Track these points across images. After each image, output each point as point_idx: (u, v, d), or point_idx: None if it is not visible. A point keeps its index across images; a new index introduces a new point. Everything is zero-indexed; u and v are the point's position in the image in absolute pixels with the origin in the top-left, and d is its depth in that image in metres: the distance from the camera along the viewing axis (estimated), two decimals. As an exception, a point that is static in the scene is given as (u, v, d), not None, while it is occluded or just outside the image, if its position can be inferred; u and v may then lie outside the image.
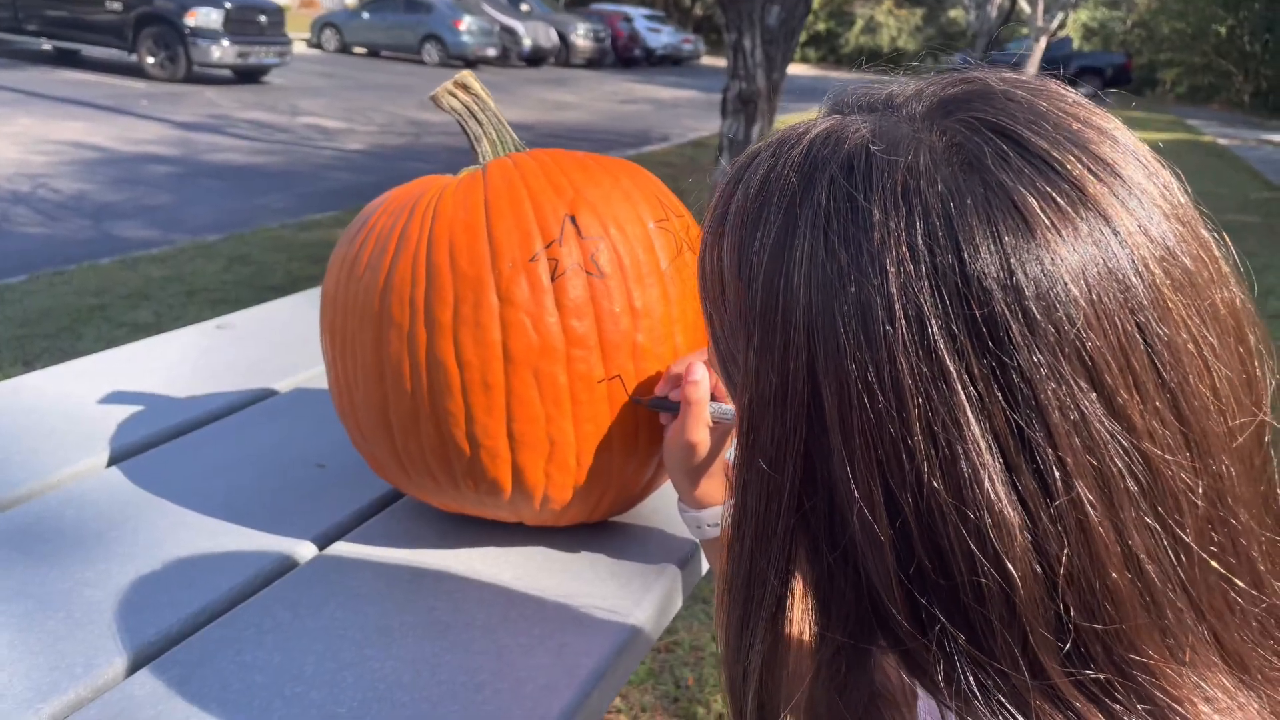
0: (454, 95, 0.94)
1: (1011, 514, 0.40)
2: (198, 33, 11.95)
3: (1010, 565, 0.40)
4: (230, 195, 6.87)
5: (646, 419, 0.88)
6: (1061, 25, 18.36)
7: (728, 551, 0.50)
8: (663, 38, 25.55)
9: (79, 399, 1.22)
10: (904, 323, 0.41)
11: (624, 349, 0.85)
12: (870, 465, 0.42)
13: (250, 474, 1.06)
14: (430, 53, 18.73)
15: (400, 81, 15.11)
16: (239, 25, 12.33)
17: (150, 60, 12.18)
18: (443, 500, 0.91)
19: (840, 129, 0.47)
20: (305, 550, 0.93)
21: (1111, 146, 0.44)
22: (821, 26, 32.61)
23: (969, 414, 0.40)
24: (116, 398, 1.23)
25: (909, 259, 0.41)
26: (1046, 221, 0.40)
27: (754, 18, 4.57)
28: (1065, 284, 0.40)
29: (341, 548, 0.93)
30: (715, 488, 0.85)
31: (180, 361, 1.37)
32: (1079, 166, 0.42)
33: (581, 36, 22.08)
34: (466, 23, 18.58)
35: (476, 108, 0.95)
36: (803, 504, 0.46)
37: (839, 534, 0.44)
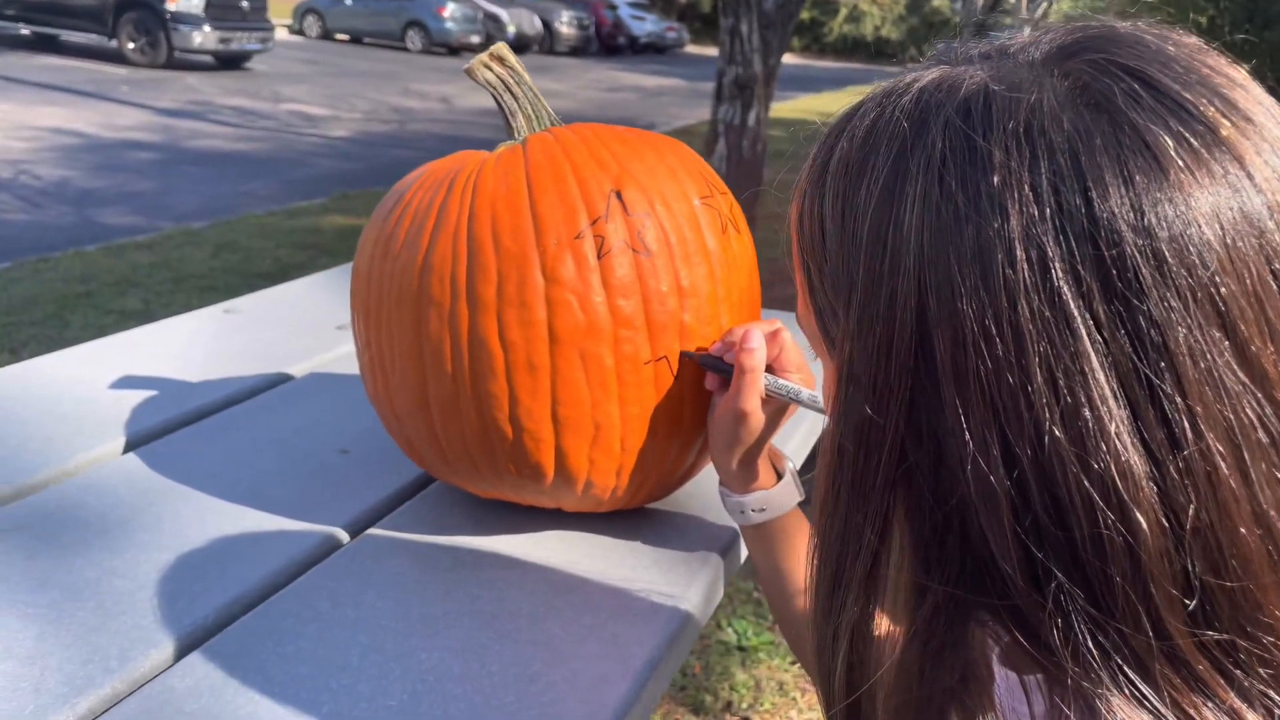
0: (489, 68, 0.91)
1: (1138, 463, 0.38)
2: (179, 18, 11.82)
3: (1138, 515, 0.38)
4: (215, 182, 6.79)
5: (691, 401, 0.85)
6: (1045, 14, 18.41)
7: (821, 509, 0.48)
8: (647, 25, 25.46)
9: (90, 383, 1.19)
10: (1026, 266, 0.39)
11: (671, 329, 0.82)
12: (986, 415, 0.40)
13: (273, 459, 1.03)
14: (414, 39, 18.61)
15: (384, 68, 14.99)
16: (220, 11, 12.20)
17: (130, 46, 12.04)
18: (481, 486, 0.89)
19: (953, 76, 0.45)
20: (337, 537, 0.90)
21: (1243, 93, 0.42)
22: (805, 15, 32.55)
23: (1094, 361, 0.38)
24: (128, 382, 1.20)
25: (1032, 200, 0.39)
26: (1180, 163, 0.39)
27: (751, 2, 4.53)
28: (1199, 227, 0.39)
29: (374, 535, 0.90)
30: (761, 470, 0.83)
31: (190, 346, 1.33)
32: (1212, 109, 0.41)
33: (566, 24, 21.97)
34: (450, 9, 18.46)
35: (512, 81, 0.92)
36: (905, 458, 0.44)
37: (947, 487, 0.42)
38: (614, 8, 24.64)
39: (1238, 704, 0.39)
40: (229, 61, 13.03)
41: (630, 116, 11.55)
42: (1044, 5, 16.07)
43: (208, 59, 12.85)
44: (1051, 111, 0.41)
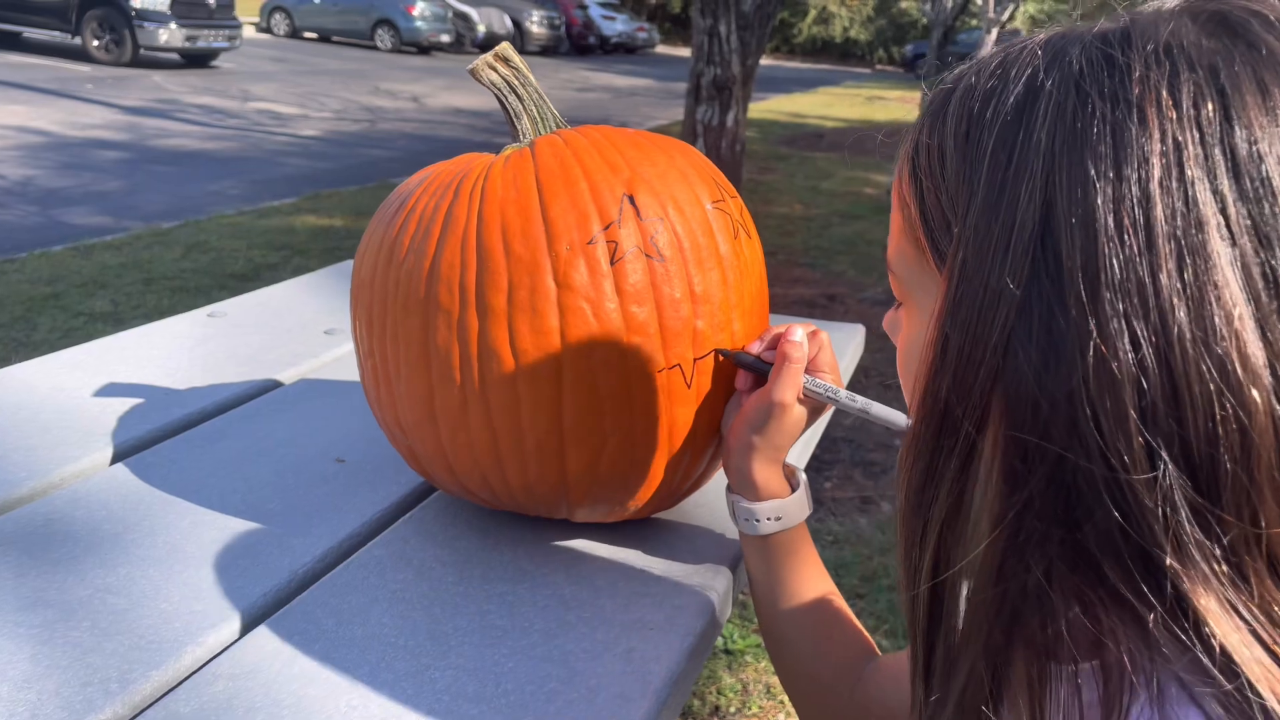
0: (494, 69, 0.89)
1: (1257, 351, 0.40)
2: (144, 15, 11.67)
3: (1254, 396, 0.40)
4: (183, 181, 6.70)
5: (703, 409, 0.83)
6: (1011, 17, 18.58)
7: (919, 403, 0.49)
8: (618, 25, 25.44)
9: (73, 392, 1.15)
10: (1162, 168, 0.41)
11: (684, 336, 0.81)
12: (1114, 303, 0.41)
13: (267, 470, 1.00)
14: (383, 38, 18.49)
15: (353, 67, 14.87)
16: (187, 8, 12.06)
17: (95, 43, 11.87)
18: (488, 496, 0.86)
19: (1085, 25, 0.48)
20: (338, 550, 0.88)
21: None
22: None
23: (1222, 256, 0.40)
24: (113, 390, 1.17)
25: (1171, 107, 0.42)
26: None
27: (729, 3, 4.52)
28: None
29: (377, 548, 0.88)
30: (777, 478, 0.82)
31: (175, 352, 1.30)
32: None
33: (536, 23, 21.91)
34: (419, 8, 18.35)
35: (517, 82, 0.90)
36: (1010, 349, 0.44)
37: (1055, 381, 0.43)
38: (584, 7, 24.60)
39: None
40: (196, 59, 12.88)
41: (603, 116, 11.52)
42: (1010, 8, 16.22)
43: (174, 57, 12.70)
44: (1190, 35, 0.44)
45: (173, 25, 11.79)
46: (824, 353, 0.82)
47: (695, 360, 0.81)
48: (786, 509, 0.81)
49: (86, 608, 0.77)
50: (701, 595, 0.83)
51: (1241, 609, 0.41)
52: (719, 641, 2.27)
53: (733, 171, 4.99)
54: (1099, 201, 0.42)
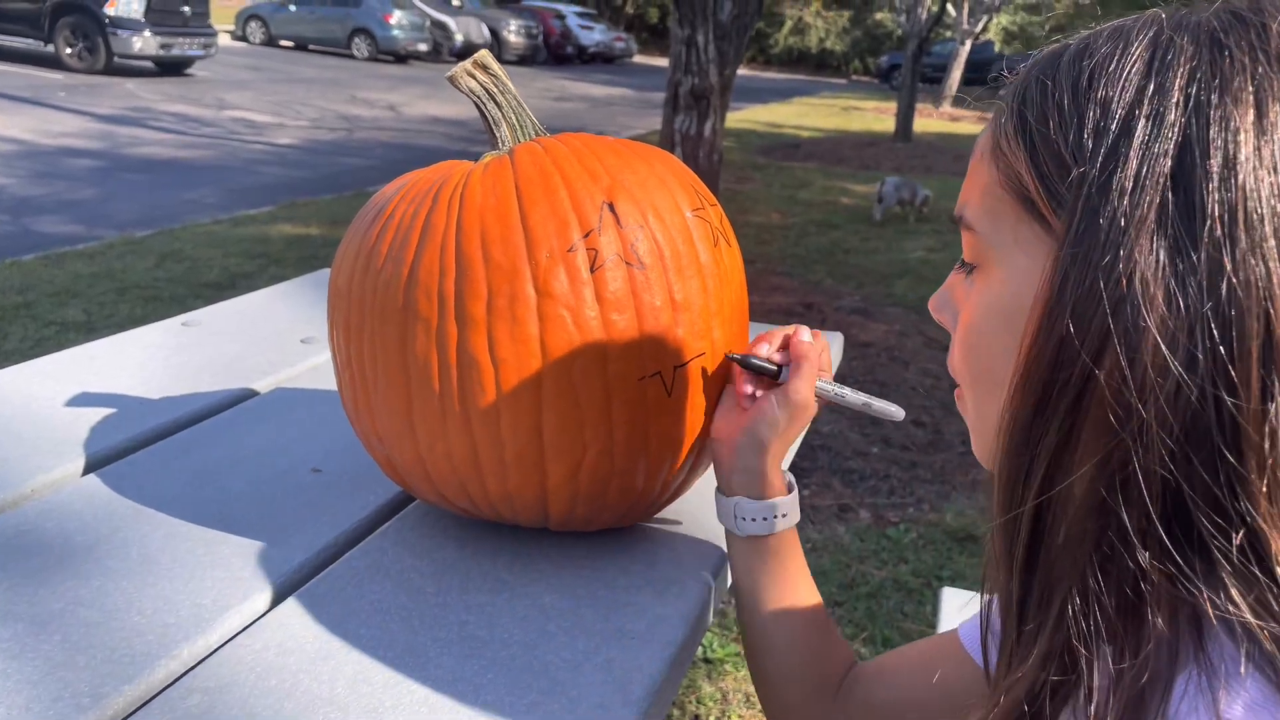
0: (472, 76, 0.88)
1: None
2: (118, 23, 11.58)
3: None
4: (157, 189, 6.64)
5: (685, 418, 0.83)
6: (984, 29, 18.75)
7: (1032, 340, 0.49)
8: (595, 35, 25.50)
9: (45, 401, 1.14)
10: None
11: (664, 344, 0.80)
12: (1253, 238, 0.43)
13: (242, 480, 0.99)
14: (360, 47, 18.43)
15: (330, 75, 14.82)
16: (161, 15, 11.98)
17: (68, 51, 11.77)
18: (466, 506, 0.86)
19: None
20: (315, 562, 0.87)
21: None
22: (751, 27, 32.75)
23: None
24: (85, 400, 1.15)
25: None
26: None
27: (707, 13, 4.54)
28: None
29: (355, 559, 0.87)
30: (780, 477, 0.84)
31: (149, 361, 1.28)
32: None
33: (514, 33, 21.93)
34: (397, 17, 18.32)
35: (496, 89, 0.89)
36: (1132, 282, 0.45)
37: (1182, 311, 0.44)
38: (562, 17, 24.64)
39: None
40: (170, 67, 12.79)
41: (580, 125, 11.52)
42: (984, 19, 16.37)
43: (148, 65, 12.60)
44: None
45: (147, 33, 11.71)
46: (824, 355, 0.85)
47: (676, 368, 0.81)
48: (791, 506, 0.83)
49: (58, 621, 0.76)
50: (682, 604, 0.83)
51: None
52: (699, 650, 2.27)
53: (710, 181, 5.00)
54: (1242, 139, 0.43)
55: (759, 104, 16.87)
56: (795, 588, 0.83)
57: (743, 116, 14.23)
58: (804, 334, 0.84)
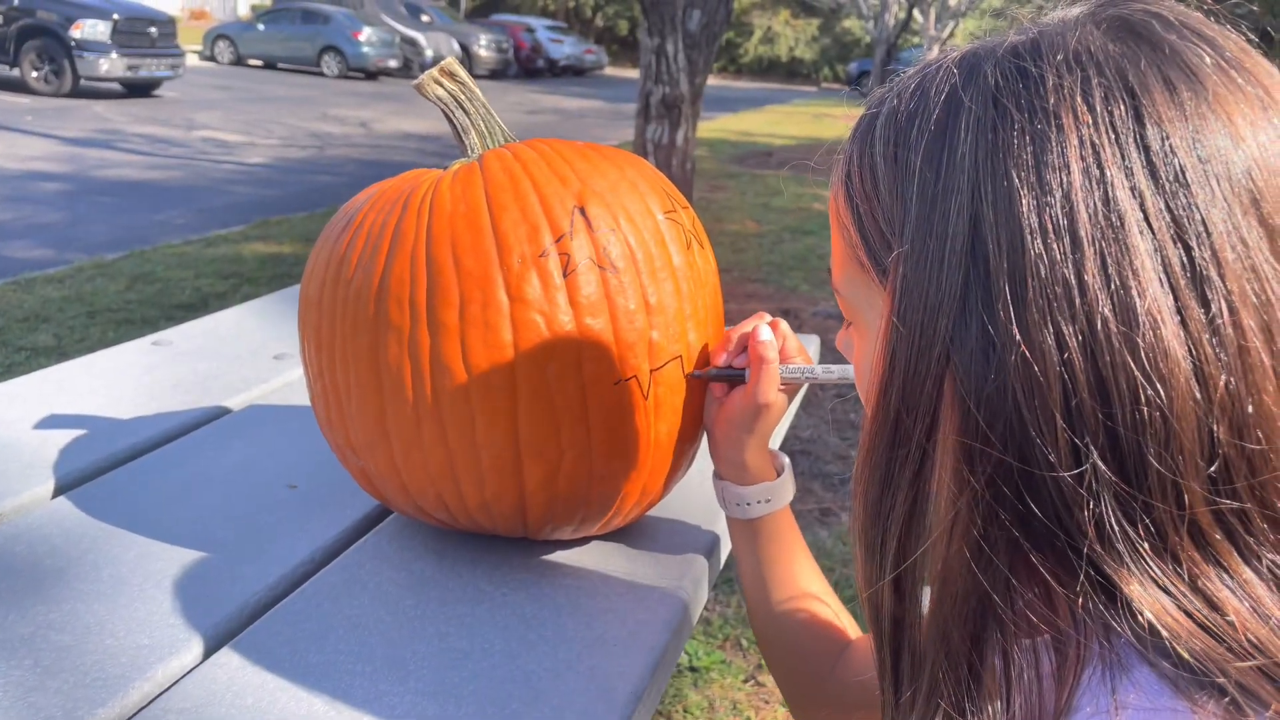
0: (440, 84, 0.88)
1: (1176, 339, 0.42)
2: (84, 45, 11.48)
3: (1176, 382, 0.42)
4: (127, 212, 6.58)
5: (664, 420, 0.83)
6: (951, 34, 18.96)
7: (872, 416, 0.50)
8: (565, 48, 25.54)
9: (13, 424, 1.12)
10: (1082, 173, 0.43)
11: (639, 348, 0.80)
12: (1040, 305, 0.43)
13: (216, 498, 0.98)
14: (329, 64, 18.38)
15: (299, 94, 14.77)
16: (128, 37, 11.88)
17: (34, 74, 11.65)
18: (444, 516, 0.85)
19: (993, 39, 0.49)
20: (291, 578, 0.85)
21: (1250, 50, 0.47)
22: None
23: (1142, 250, 0.42)
24: (55, 422, 1.13)
25: (1085, 112, 0.44)
26: (1215, 78, 0.44)
27: (676, 22, 4.55)
28: (1236, 130, 0.43)
29: (332, 574, 0.85)
30: (764, 463, 0.85)
31: (119, 381, 1.26)
32: (1232, 47, 0.46)
33: (484, 47, 21.93)
34: (366, 34, 18.29)
35: (464, 96, 0.89)
36: (951, 358, 0.46)
37: (994, 387, 0.44)
38: (532, 31, 24.68)
39: (1248, 575, 0.43)
40: (138, 89, 12.69)
41: (553, 137, 11.51)
42: (951, 25, 16.53)
43: (115, 87, 12.50)
44: (1096, 41, 0.46)
45: (114, 55, 11.61)
46: (789, 340, 0.84)
47: (652, 371, 0.80)
48: (776, 490, 0.85)
49: (29, 645, 0.74)
50: (664, 610, 0.82)
51: (1170, 587, 0.42)
52: (684, 659, 2.26)
53: (684, 189, 5.02)
54: (1024, 209, 0.43)
55: (730, 113, 16.93)
56: (789, 564, 0.85)
57: (715, 126, 14.28)
58: (762, 333, 0.82)
